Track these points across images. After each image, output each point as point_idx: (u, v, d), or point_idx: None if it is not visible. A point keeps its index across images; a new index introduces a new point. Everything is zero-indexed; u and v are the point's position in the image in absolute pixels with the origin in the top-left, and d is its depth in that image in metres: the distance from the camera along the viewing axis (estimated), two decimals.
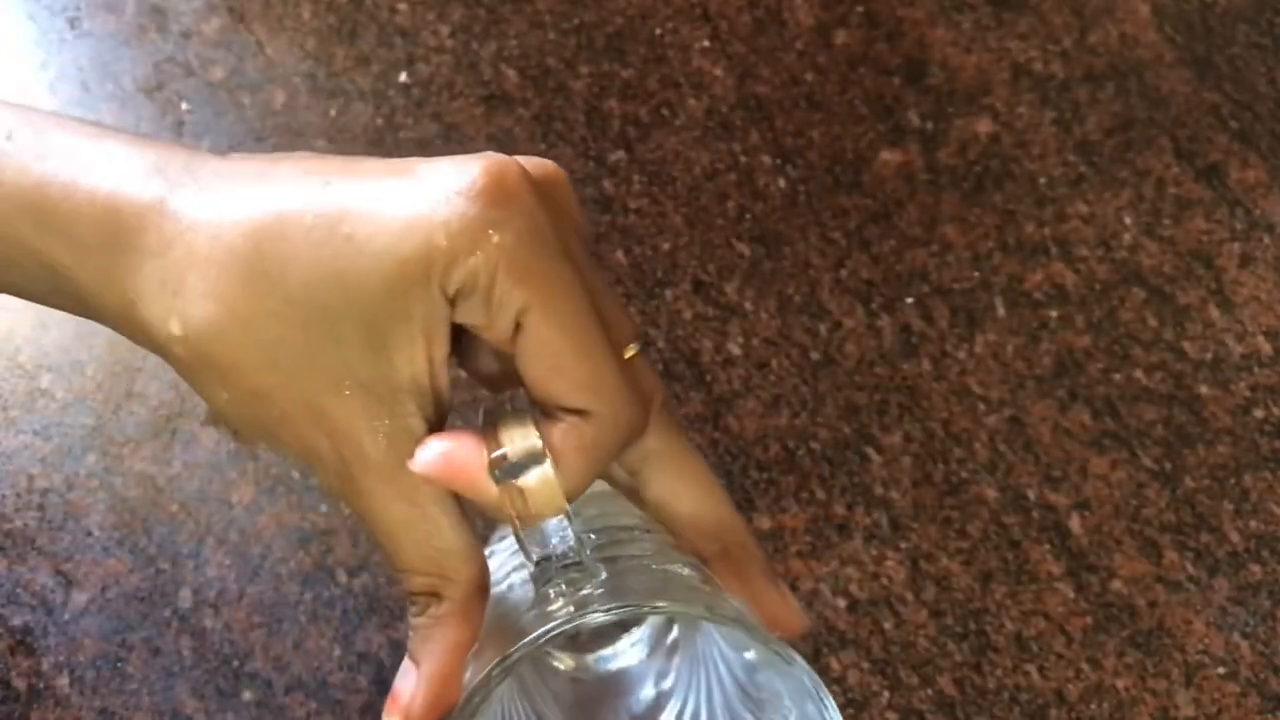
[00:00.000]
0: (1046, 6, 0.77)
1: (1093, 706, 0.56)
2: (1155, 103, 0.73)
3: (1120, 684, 0.56)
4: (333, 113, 0.71)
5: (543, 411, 0.36)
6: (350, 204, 0.35)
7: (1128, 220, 0.69)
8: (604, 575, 0.36)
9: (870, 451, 0.62)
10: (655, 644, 0.44)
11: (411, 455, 0.36)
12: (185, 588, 0.57)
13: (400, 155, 0.71)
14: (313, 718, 0.54)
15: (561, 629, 0.34)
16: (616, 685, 0.44)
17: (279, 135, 0.69)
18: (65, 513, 0.58)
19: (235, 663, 0.55)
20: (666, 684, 0.44)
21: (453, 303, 0.35)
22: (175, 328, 0.36)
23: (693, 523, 0.39)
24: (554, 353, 0.35)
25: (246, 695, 0.55)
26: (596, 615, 0.34)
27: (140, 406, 0.61)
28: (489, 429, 0.36)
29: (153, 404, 0.61)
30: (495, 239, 0.34)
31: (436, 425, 0.37)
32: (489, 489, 0.35)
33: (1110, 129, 0.72)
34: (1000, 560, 0.59)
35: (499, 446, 0.35)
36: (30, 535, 0.58)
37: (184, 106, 0.70)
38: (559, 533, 0.36)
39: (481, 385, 0.40)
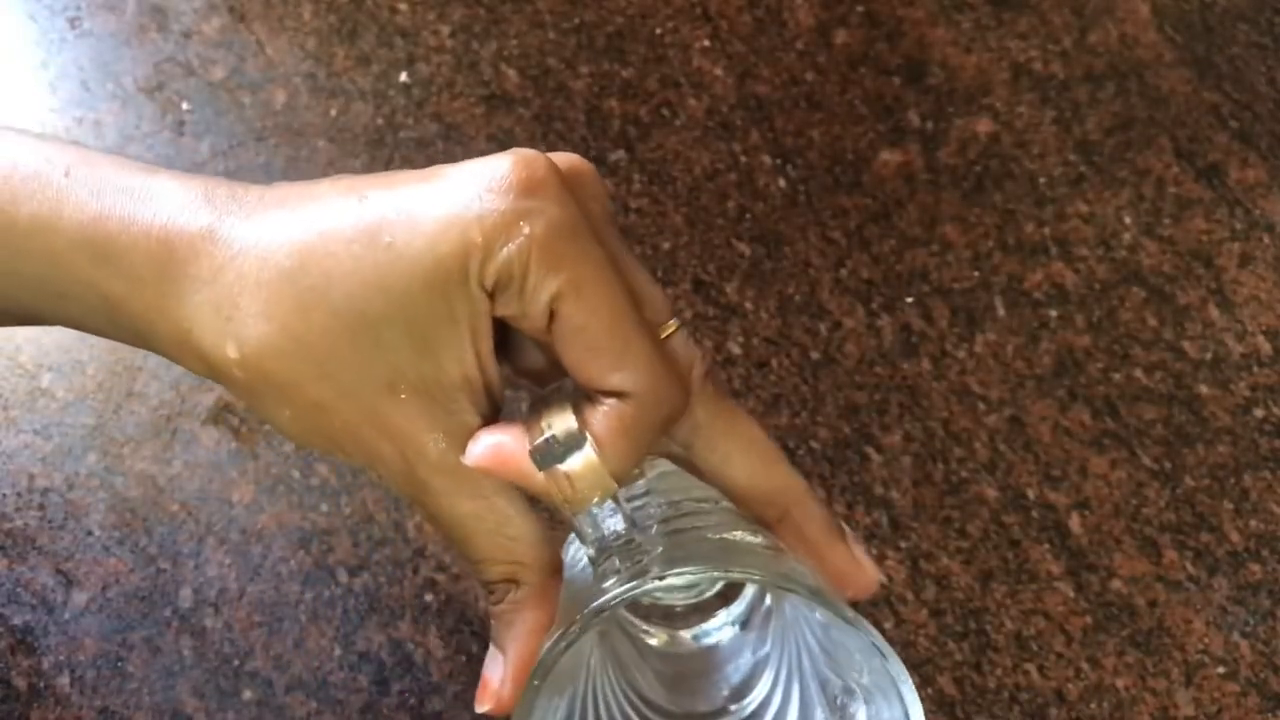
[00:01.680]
0: (1046, 6, 0.77)
1: (1093, 706, 0.56)
2: (1155, 102, 0.73)
3: (1120, 683, 0.57)
4: (333, 112, 0.71)
5: (586, 397, 0.37)
6: (387, 213, 0.36)
7: (1127, 220, 0.69)
8: (659, 550, 0.37)
9: (870, 451, 0.62)
10: (751, 613, 0.45)
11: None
12: (186, 587, 0.57)
13: (400, 155, 0.72)
14: (313, 717, 0.54)
15: (609, 605, 0.35)
16: (715, 657, 0.45)
17: (279, 135, 0.69)
18: (66, 512, 0.58)
19: (236, 662, 0.55)
20: (763, 651, 0.44)
21: (491, 296, 0.36)
22: (232, 351, 0.37)
23: (749, 489, 0.40)
24: (588, 336, 0.36)
25: (247, 695, 0.55)
26: (647, 585, 0.35)
27: (141, 406, 0.61)
28: (533, 417, 0.37)
29: (153, 403, 0.61)
30: (526, 229, 0.35)
31: (492, 417, 0.38)
32: (537, 477, 0.36)
33: (1110, 129, 0.72)
34: (1000, 560, 0.59)
35: (541, 434, 0.36)
36: (31, 535, 0.58)
37: (184, 106, 0.70)
38: (609, 514, 0.37)
39: (529, 381, 0.40)
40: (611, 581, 0.36)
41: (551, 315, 0.36)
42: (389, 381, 0.36)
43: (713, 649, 0.45)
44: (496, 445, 0.37)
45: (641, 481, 0.42)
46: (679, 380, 0.37)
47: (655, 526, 0.38)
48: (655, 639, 0.45)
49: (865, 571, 0.40)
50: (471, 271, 0.36)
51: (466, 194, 0.36)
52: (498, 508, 0.38)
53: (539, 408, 0.37)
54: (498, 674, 0.39)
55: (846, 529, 0.41)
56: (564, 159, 0.38)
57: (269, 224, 0.37)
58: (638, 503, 0.41)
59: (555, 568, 0.39)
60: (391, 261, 0.36)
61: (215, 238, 0.37)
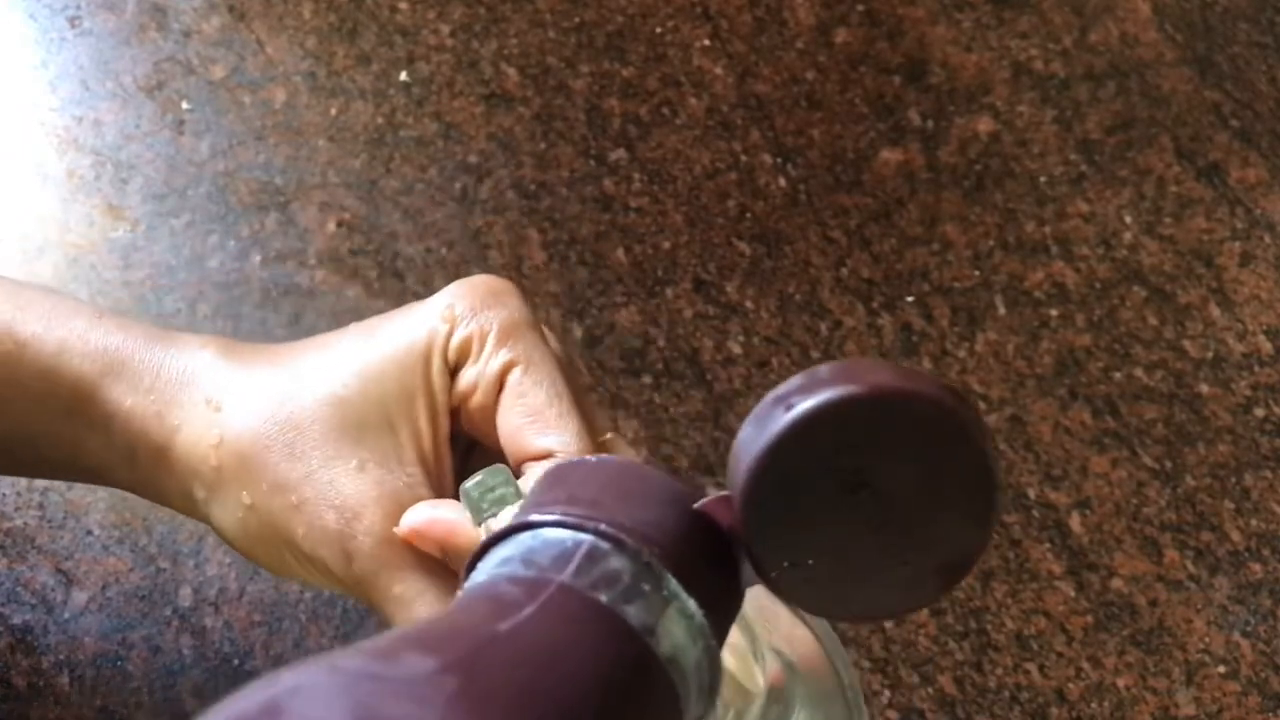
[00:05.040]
0: (1047, 5, 0.77)
1: (1093, 705, 0.56)
2: (1156, 101, 0.73)
3: (1121, 683, 0.56)
4: (333, 111, 0.71)
5: (515, 474, 0.40)
6: (380, 320, 0.43)
7: (1128, 219, 0.69)
8: None
9: None
10: None
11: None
12: (185, 586, 0.57)
13: (400, 154, 0.72)
14: None
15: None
16: None
17: (279, 134, 0.69)
18: (65, 511, 0.58)
19: (235, 661, 0.55)
20: None
21: (453, 374, 0.41)
22: (213, 439, 0.41)
23: None
24: (528, 402, 0.40)
25: None
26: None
27: None
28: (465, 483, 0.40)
29: None
30: (489, 314, 0.41)
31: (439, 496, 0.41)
32: (463, 535, 0.39)
33: (1111, 128, 0.72)
34: (1001, 559, 0.59)
35: (474, 481, 0.39)
36: (30, 534, 0.58)
37: (184, 105, 0.70)
38: None
39: None
40: None
41: (500, 386, 0.41)
42: (353, 457, 0.40)
43: None
44: (431, 514, 0.39)
45: None
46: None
47: None
48: None
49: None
50: (436, 348, 0.41)
51: (443, 298, 0.42)
52: (441, 577, 0.40)
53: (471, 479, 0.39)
54: None
55: None
56: None
57: (277, 349, 0.43)
58: None
59: None
60: (372, 348, 0.41)
61: (223, 357, 0.43)
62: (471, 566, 0.30)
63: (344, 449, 0.40)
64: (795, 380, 0.29)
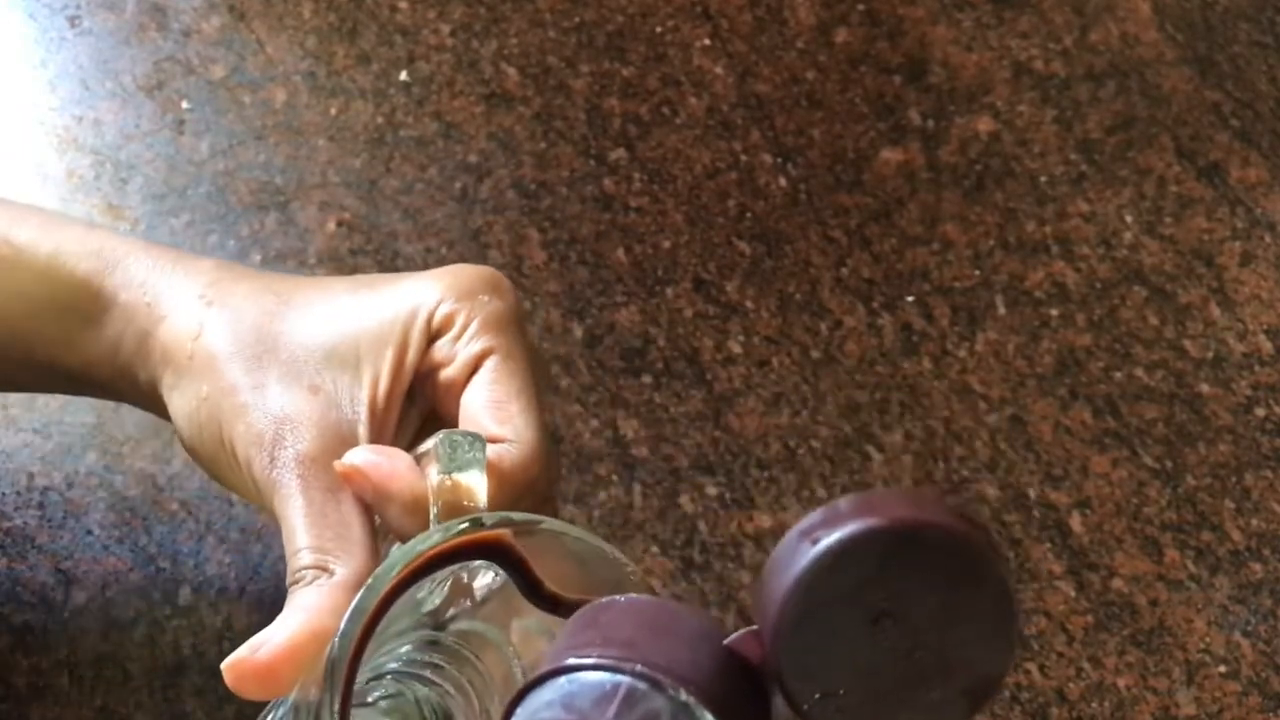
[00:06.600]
0: (1047, 5, 0.77)
1: (1094, 705, 0.56)
2: (1156, 101, 0.73)
3: (1121, 683, 0.56)
4: (333, 111, 0.71)
5: None
6: (378, 276, 0.45)
7: (1129, 219, 0.69)
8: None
9: (871, 450, 0.62)
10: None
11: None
12: (185, 586, 0.57)
13: (400, 154, 0.72)
14: None
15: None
16: None
17: (279, 134, 0.69)
18: (65, 511, 0.58)
19: None
20: None
21: (432, 340, 0.43)
22: (195, 329, 0.43)
23: None
24: (498, 389, 0.42)
25: None
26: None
27: None
28: (434, 440, 0.40)
29: None
30: (482, 298, 0.43)
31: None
32: (404, 480, 0.40)
33: (1111, 127, 0.72)
34: None
35: (448, 438, 0.39)
36: (30, 533, 0.58)
37: (184, 105, 0.70)
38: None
39: None
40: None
41: (474, 368, 0.42)
42: (310, 380, 0.42)
43: None
44: (375, 458, 0.40)
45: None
46: (550, 456, 0.43)
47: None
48: None
49: None
50: (423, 308, 0.43)
51: (444, 274, 0.44)
52: (345, 503, 0.41)
53: (436, 441, 0.40)
54: (267, 636, 0.40)
55: None
56: None
57: (274, 275, 0.45)
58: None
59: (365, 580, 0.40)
60: (363, 295, 0.43)
61: (221, 269, 0.45)
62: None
63: (305, 372, 0.42)
64: (817, 515, 0.30)
